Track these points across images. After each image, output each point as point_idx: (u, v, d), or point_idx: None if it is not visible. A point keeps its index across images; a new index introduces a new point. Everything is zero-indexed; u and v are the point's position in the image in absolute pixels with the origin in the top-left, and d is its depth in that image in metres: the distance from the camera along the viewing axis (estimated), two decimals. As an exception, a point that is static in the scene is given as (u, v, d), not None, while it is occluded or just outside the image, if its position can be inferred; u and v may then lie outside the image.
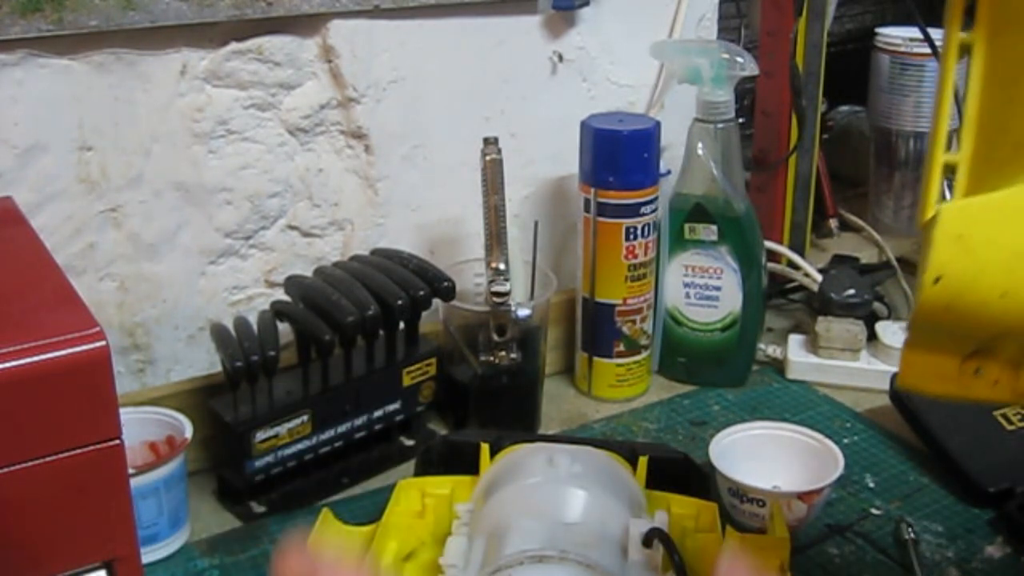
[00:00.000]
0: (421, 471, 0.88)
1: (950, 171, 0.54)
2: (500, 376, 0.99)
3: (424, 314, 0.96)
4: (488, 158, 0.96)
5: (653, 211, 1.03)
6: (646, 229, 1.03)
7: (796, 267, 1.23)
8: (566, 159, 1.09)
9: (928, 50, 1.22)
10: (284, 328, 0.90)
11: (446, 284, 0.95)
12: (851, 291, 1.13)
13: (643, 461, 0.83)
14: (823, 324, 1.11)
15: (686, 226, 1.07)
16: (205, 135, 0.94)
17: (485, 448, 0.84)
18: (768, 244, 1.14)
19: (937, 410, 0.98)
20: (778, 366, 1.13)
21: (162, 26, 0.88)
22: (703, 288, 1.09)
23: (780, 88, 1.19)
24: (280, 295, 0.97)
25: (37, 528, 0.59)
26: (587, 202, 1.03)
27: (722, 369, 1.11)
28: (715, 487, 0.88)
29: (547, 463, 0.77)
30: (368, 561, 0.74)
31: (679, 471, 0.86)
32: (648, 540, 0.70)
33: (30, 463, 0.58)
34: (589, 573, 0.65)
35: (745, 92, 1.28)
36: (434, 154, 1.07)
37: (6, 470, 0.57)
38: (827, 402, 1.08)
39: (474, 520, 0.78)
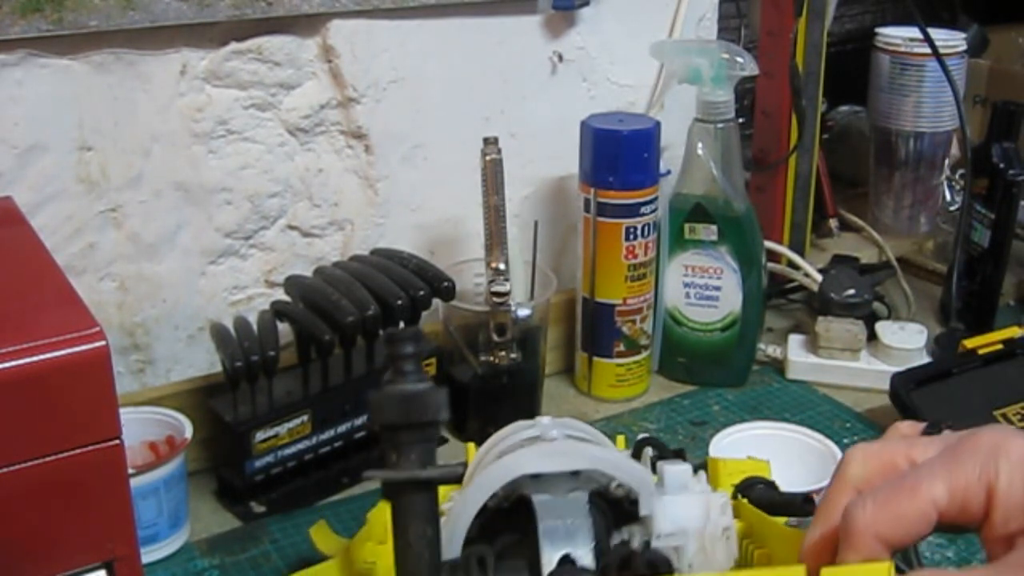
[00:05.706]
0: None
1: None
2: (500, 376, 0.99)
3: (424, 314, 0.96)
4: (488, 158, 0.95)
5: (653, 211, 1.03)
6: (646, 229, 1.03)
7: (796, 267, 1.23)
8: (566, 159, 1.09)
9: (928, 50, 1.22)
10: (284, 328, 0.90)
11: (446, 284, 0.95)
12: (851, 291, 1.13)
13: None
14: (823, 324, 1.11)
15: (686, 226, 1.07)
16: (205, 135, 0.94)
17: (471, 447, 0.83)
18: (768, 244, 1.14)
19: (937, 410, 0.97)
20: (778, 366, 1.13)
21: (162, 26, 0.88)
22: (703, 288, 1.09)
23: (780, 88, 1.19)
24: (280, 295, 0.97)
25: (37, 528, 0.59)
26: (587, 202, 1.03)
27: (722, 369, 1.11)
28: (715, 487, 0.88)
29: (530, 426, 0.76)
30: None
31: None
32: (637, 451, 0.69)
33: (30, 463, 0.57)
34: (592, 448, 0.62)
35: (745, 92, 1.27)
36: (434, 154, 1.07)
37: (6, 470, 0.57)
38: (827, 402, 1.08)
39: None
